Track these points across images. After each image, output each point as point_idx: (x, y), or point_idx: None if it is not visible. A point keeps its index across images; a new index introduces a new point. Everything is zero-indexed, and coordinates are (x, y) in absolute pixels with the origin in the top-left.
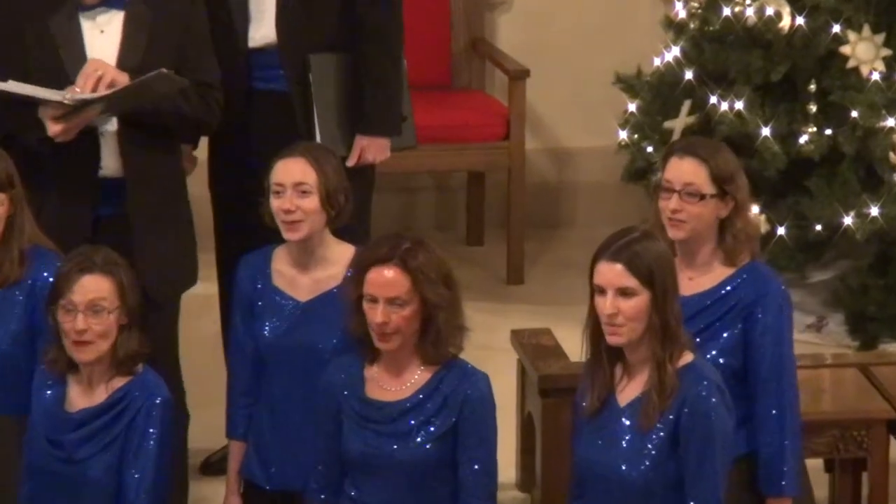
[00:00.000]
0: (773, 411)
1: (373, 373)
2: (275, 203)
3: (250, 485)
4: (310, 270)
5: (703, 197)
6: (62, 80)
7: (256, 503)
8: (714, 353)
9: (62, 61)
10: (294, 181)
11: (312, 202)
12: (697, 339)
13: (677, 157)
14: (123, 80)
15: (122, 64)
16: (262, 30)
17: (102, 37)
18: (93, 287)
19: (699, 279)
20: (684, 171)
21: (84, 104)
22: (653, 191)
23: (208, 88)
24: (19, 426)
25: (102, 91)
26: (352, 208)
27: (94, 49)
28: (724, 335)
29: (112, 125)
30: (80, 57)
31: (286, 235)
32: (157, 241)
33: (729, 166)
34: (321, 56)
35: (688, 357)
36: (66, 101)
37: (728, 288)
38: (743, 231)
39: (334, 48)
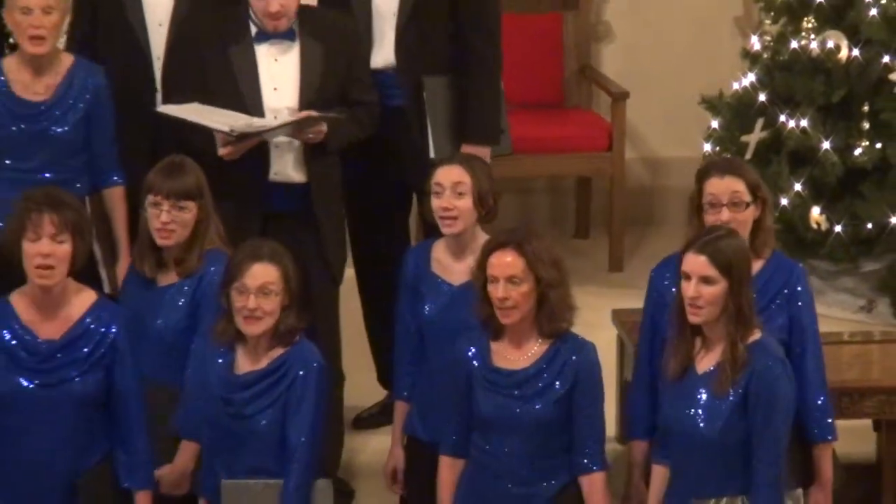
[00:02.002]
0: (819, 374)
1: (498, 346)
2: (435, 202)
3: (412, 438)
4: (463, 259)
5: (746, 205)
6: (238, 102)
7: (416, 453)
8: (772, 329)
9: (239, 86)
10: (452, 183)
11: (467, 202)
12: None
13: (717, 176)
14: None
15: (302, 90)
16: (383, 53)
17: (276, 65)
18: (263, 273)
19: None
20: (728, 186)
21: (245, 136)
22: (694, 208)
23: (374, 106)
24: (176, 396)
25: (259, 128)
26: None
27: (268, 76)
28: (778, 316)
29: (282, 139)
30: (254, 82)
31: (444, 230)
32: (334, 231)
33: (755, 176)
34: (433, 78)
35: (756, 335)
36: (232, 134)
37: (767, 276)
38: (769, 230)
39: (444, 71)
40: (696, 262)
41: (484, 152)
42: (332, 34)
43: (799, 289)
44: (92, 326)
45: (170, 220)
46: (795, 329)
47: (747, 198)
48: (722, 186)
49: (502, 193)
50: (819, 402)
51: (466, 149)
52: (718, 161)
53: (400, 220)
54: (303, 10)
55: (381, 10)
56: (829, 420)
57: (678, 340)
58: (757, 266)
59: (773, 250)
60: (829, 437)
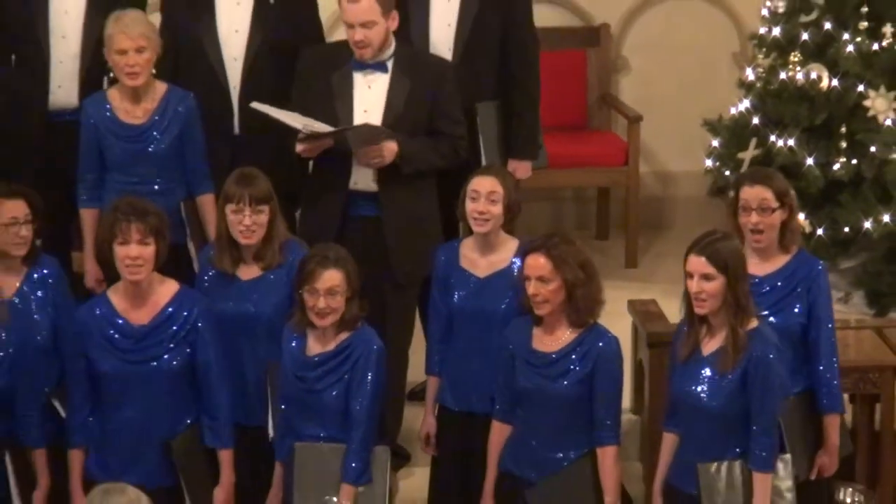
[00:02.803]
0: (831, 355)
1: (538, 331)
2: (470, 205)
3: (442, 407)
4: (487, 255)
5: (773, 210)
6: (333, 118)
7: (446, 421)
8: (790, 314)
9: (335, 109)
10: (487, 191)
11: (498, 208)
12: (775, 306)
13: (748, 185)
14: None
15: (386, 114)
16: None
17: (369, 91)
18: (330, 278)
19: (765, 264)
20: (757, 194)
21: (316, 136)
22: (731, 211)
23: (460, 140)
24: (278, 368)
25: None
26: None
27: (361, 101)
28: (798, 303)
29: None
30: (349, 106)
31: (476, 229)
32: (406, 237)
33: (783, 184)
34: (484, 103)
35: (754, 322)
36: (303, 131)
37: (792, 268)
38: (797, 230)
39: (492, 97)
40: (697, 263)
41: (525, 165)
42: (421, 70)
43: (818, 282)
44: (176, 311)
45: (251, 222)
46: (813, 316)
47: (774, 204)
48: (752, 194)
49: (536, 201)
50: (830, 379)
51: (512, 163)
52: (752, 171)
53: (452, 222)
54: (400, 48)
55: (437, 46)
56: (839, 395)
57: (688, 328)
58: (784, 260)
59: (799, 248)
60: (838, 409)
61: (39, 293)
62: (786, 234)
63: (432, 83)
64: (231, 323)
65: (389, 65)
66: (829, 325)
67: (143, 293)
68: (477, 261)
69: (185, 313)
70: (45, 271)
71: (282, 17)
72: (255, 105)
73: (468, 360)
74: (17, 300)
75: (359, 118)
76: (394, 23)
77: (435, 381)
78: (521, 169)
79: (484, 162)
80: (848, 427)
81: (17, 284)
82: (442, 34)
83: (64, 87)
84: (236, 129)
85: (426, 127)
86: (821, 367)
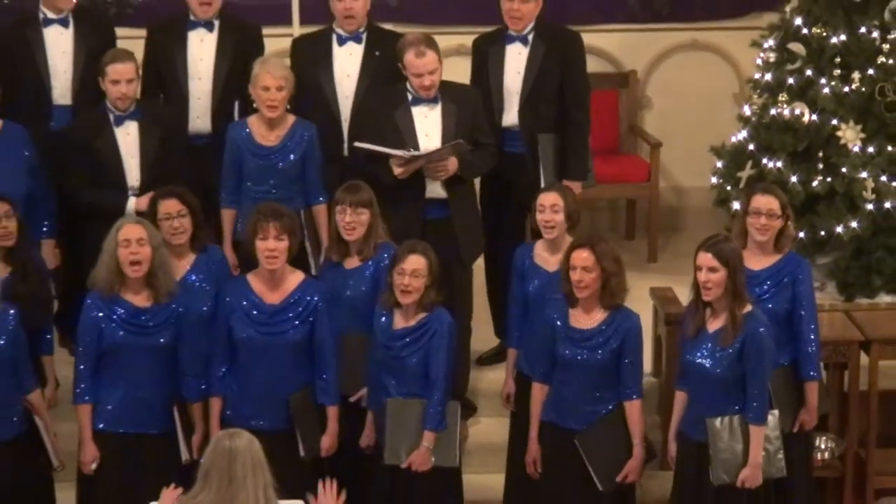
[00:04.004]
0: (812, 336)
1: (575, 311)
2: (539, 216)
3: (519, 372)
4: (555, 254)
5: (777, 217)
6: (402, 144)
7: (522, 383)
8: (780, 301)
9: (402, 138)
10: (550, 204)
11: (560, 217)
12: (769, 293)
13: (761, 194)
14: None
15: (443, 135)
16: (510, 117)
17: (426, 120)
18: (415, 261)
19: (762, 260)
20: (767, 202)
21: (414, 158)
22: (739, 216)
23: (492, 147)
24: (363, 340)
25: (422, 152)
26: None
27: (421, 128)
28: (786, 292)
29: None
30: (413, 135)
31: (545, 235)
32: (468, 232)
33: (785, 199)
34: (544, 135)
35: (748, 307)
36: (405, 156)
37: (782, 265)
38: (791, 236)
39: (551, 129)
40: (704, 258)
41: (577, 185)
42: (462, 98)
43: (802, 275)
44: (301, 296)
45: (351, 220)
46: (797, 303)
47: (778, 212)
48: (763, 201)
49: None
50: (810, 352)
51: (566, 183)
52: (764, 185)
53: (517, 227)
54: (444, 83)
55: (509, 89)
56: (818, 366)
57: (696, 310)
58: (776, 258)
59: (791, 250)
60: (817, 377)
61: (204, 273)
62: (781, 238)
63: (471, 107)
64: (334, 302)
65: (438, 97)
66: (811, 311)
67: (276, 279)
68: (548, 259)
69: (308, 298)
70: (210, 256)
71: (383, 65)
72: (358, 144)
73: (540, 336)
74: (187, 279)
75: (422, 141)
76: (442, 66)
77: (514, 352)
78: (574, 187)
79: (543, 182)
80: (826, 390)
81: (188, 266)
82: (513, 80)
83: (200, 117)
84: (345, 153)
85: (470, 141)
86: (803, 344)
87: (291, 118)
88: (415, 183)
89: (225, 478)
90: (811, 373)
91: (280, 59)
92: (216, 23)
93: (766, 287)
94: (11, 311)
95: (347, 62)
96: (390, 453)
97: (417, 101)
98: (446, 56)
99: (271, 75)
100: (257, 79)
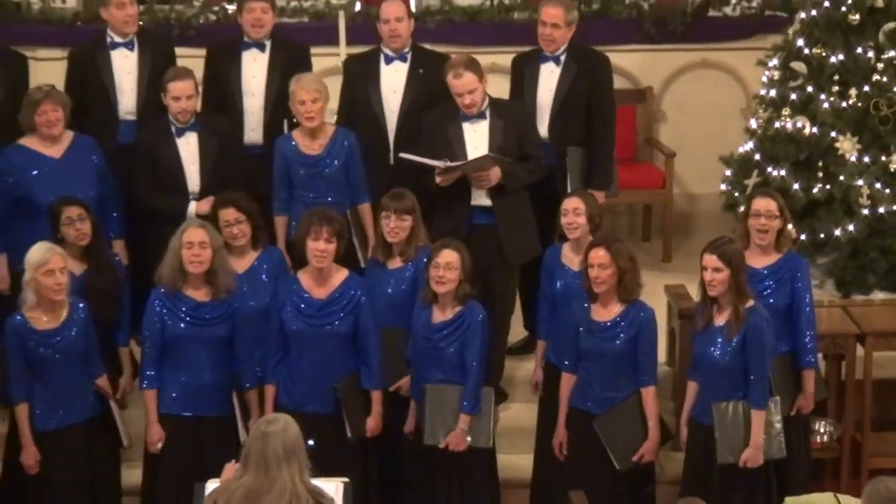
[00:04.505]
0: (808, 327)
1: (595, 306)
2: (563, 220)
3: (548, 362)
4: (579, 254)
5: (775, 217)
6: (452, 155)
7: (550, 372)
8: (781, 296)
9: (454, 151)
10: (573, 208)
11: (582, 220)
12: (770, 289)
13: (760, 197)
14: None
15: (490, 148)
16: (541, 129)
17: (475, 134)
18: (448, 255)
19: (763, 259)
20: (767, 204)
21: (450, 168)
22: (743, 215)
23: (541, 160)
24: (401, 334)
25: (457, 163)
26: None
27: (469, 141)
28: (786, 288)
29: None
30: (462, 146)
31: (569, 237)
32: (515, 234)
33: (783, 201)
34: (573, 148)
35: (750, 302)
36: (441, 166)
37: (782, 263)
38: (789, 235)
39: (579, 143)
40: (709, 259)
41: (601, 194)
42: (510, 114)
43: (800, 273)
44: (345, 291)
45: (395, 226)
46: (796, 298)
47: (776, 213)
48: (762, 204)
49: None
50: (808, 342)
51: (591, 192)
52: (763, 189)
53: (547, 231)
54: (493, 100)
55: (542, 104)
56: (815, 355)
57: (703, 306)
58: (777, 257)
59: (790, 249)
60: (814, 366)
61: (264, 271)
62: (780, 238)
63: (518, 122)
64: (377, 298)
65: (487, 113)
66: (809, 306)
67: (323, 276)
68: (573, 259)
69: (352, 292)
70: (270, 254)
71: (425, 82)
72: (403, 154)
73: (567, 329)
74: (249, 274)
75: (471, 153)
76: (486, 83)
77: (542, 344)
78: (598, 195)
79: (569, 187)
80: (822, 378)
81: (250, 263)
82: (545, 97)
83: (254, 130)
84: (391, 162)
85: (518, 153)
86: (801, 335)
87: (332, 128)
88: (461, 191)
89: (261, 464)
90: (808, 360)
91: (314, 74)
92: (267, 44)
93: (767, 284)
94: (81, 305)
95: (394, 79)
96: (429, 435)
97: (467, 117)
98: None
99: (305, 90)
100: (294, 95)
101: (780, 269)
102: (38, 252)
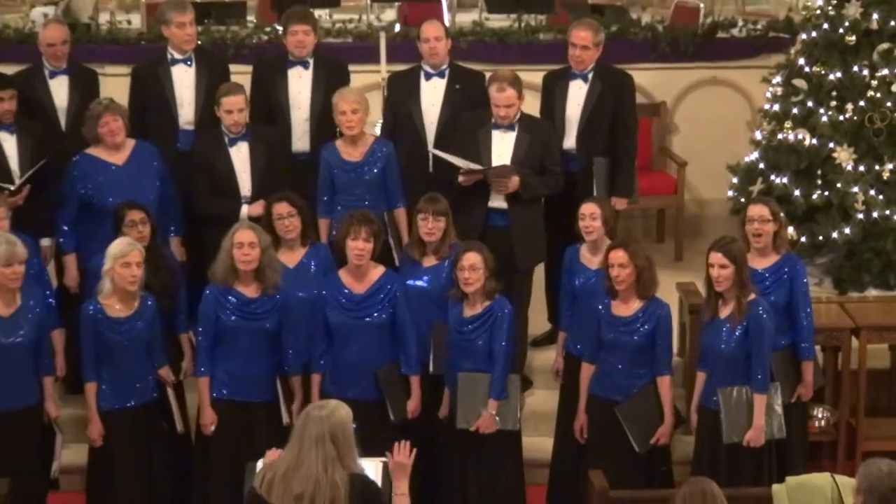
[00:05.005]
0: (805, 322)
1: (615, 302)
2: (581, 223)
3: (568, 352)
4: (596, 255)
5: (768, 222)
6: (479, 161)
7: (569, 361)
8: (780, 294)
9: (480, 156)
10: (590, 213)
11: (598, 223)
12: (771, 289)
13: (754, 204)
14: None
15: (513, 158)
16: (569, 142)
17: (502, 143)
18: (472, 258)
19: (763, 261)
20: (759, 210)
21: (472, 171)
22: (741, 221)
23: (559, 175)
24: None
25: (479, 167)
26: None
27: (496, 148)
28: (785, 287)
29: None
30: (488, 152)
31: (587, 239)
32: (525, 239)
33: (776, 206)
34: (598, 158)
35: (752, 295)
36: (462, 168)
37: (781, 263)
38: (785, 238)
39: (604, 154)
40: (716, 256)
41: (623, 201)
42: (536, 130)
43: (799, 274)
44: (382, 286)
45: (432, 227)
46: (794, 296)
47: (769, 218)
48: (756, 210)
49: (620, 218)
50: (806, 336)
51: (614, 199)
52: (758, 197)
53: (572, 233)
54: (525, 116)
55: (570, 118)
56: (812, 348)
57: (710, 300)
58: (776, 258)
59: (788, 250)
60: (812, 357)
61: (312, 265)
62: (776, 240)
63: (543, 138)
64: (416, 294)
65: (516, 125)
66: (807, 302)
67: (362, 273)
68: (590, 258)
69: (388, 287)
70: (317, 250)
71: (461, 96)
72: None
73: (585, 321)
74: (298, 267)
75: (495, 161)
76: (523, 101)
77: (562, 335)
78: (620, 203)
79: (595, 192)
80: (821, 368)
81: (300, 257)
82: (574, 111)
83: (300, 139)
84: (430, 169)
85: (539, 167)
86: (800, 329)
87: (371, 137)
88: (480, 190)
89: (297, 444)
90: (807, 353)
91: (355, 87)
92: (310, 61)
93: (767, 283)
94: (150, 301)
95: (433, 94)
96: (462, 419)
97: (499, 126)
98: None
99: (346, 101)
100: (336, 107)
101: (779, 270)
102: (120, 245)
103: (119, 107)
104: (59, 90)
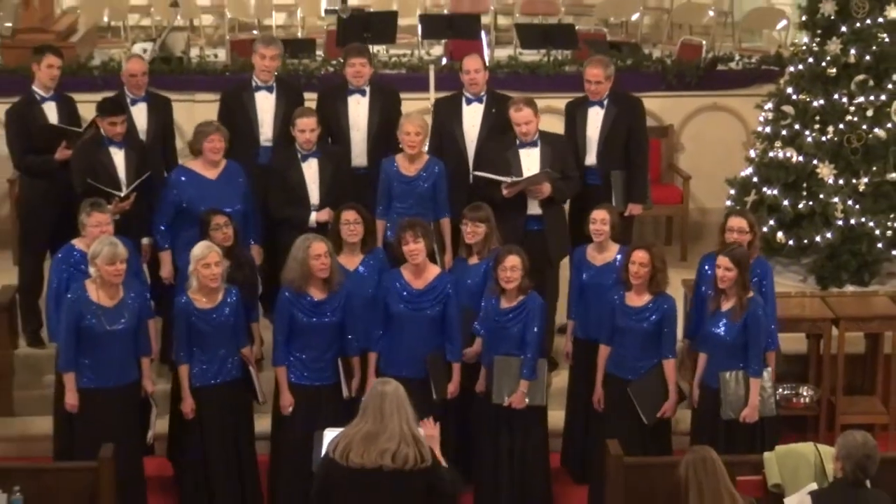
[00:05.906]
0: (774, 316)
1: (629, 294)
2: (591, 227)
3: (576, 337)
4: (602, 254)
5: (747, 233)
6: (510, 175)
7: (578, 344)
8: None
9: (511, 170)
10: (601, 218)
11: (607, 227)
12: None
13: (734, 217)
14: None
15: (540, 169)
16: (590, 158)
17: (529, 158)
18: (512, 260)
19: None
20: (738, 222)
21: (514, 183)
22: (720, 231)
23: (576, 180)
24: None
25: (520, 179)
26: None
27: (525, 163)
28: (757, 288)
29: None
30: (518, 168)
31: (595, 240)
32: (556, 238)
33: (753, 219)
34: (615, 171)
35: (750, 294)
36: (507, 181)
37: (752, 266)
38: (756, 245)
39: (620, 167)
40: (723, 260)
41: (638, 207)
42: (556, 144)
43: (767, 274)
44: (437, 283)
45: (471, 230)
46: (763, 292)
47: (746, 229)
48: (735, 222)
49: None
50: (771, 328)
51: (630, 205)
52: (736, 209)
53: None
54: (542, 133)
55: (590, 139)
56: (775, 339)
57: (715, 295)
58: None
59: (758, 255)
60: (774, 348)
61: (370, 267)
62: (750, 248)
63: (561, 150)
64: (459, 288)
65: (538, 141)
66: (772, 298)
67: (419, 270)
68: (596, 256)
69: (442, 285)
70: (375, 255)
71: (497, 118)
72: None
73: (590, 311)
74: (357, 270)
75: (525, 173)
76: (539, 119)
77: (571, 323)
78: (636, 209)
79: (614, 201)
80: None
81: (359, 261)
82: (593, 132)
83: (359, 156)
84: (470, 181)
85: (560, 174)
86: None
87: (426, 156)
88: (518, 203)
89: (378, 413)
90: (773, 342)
91: (420, 113)
92: (367, 89)
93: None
94: (234, 291)
95: (473, 116)
96: (496, 395)
97: (523, 144)
98: None
99: (412, 124)
100: (402, 127)
101: (751, 271)
102: (200, 248)
103: (226, 131)
104: (139, 115)
